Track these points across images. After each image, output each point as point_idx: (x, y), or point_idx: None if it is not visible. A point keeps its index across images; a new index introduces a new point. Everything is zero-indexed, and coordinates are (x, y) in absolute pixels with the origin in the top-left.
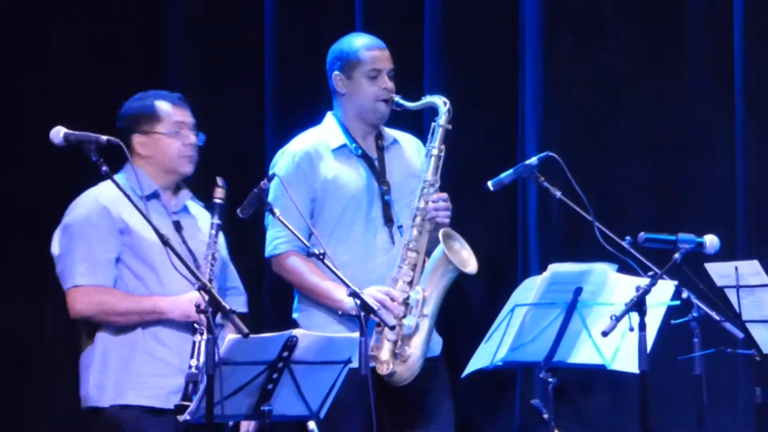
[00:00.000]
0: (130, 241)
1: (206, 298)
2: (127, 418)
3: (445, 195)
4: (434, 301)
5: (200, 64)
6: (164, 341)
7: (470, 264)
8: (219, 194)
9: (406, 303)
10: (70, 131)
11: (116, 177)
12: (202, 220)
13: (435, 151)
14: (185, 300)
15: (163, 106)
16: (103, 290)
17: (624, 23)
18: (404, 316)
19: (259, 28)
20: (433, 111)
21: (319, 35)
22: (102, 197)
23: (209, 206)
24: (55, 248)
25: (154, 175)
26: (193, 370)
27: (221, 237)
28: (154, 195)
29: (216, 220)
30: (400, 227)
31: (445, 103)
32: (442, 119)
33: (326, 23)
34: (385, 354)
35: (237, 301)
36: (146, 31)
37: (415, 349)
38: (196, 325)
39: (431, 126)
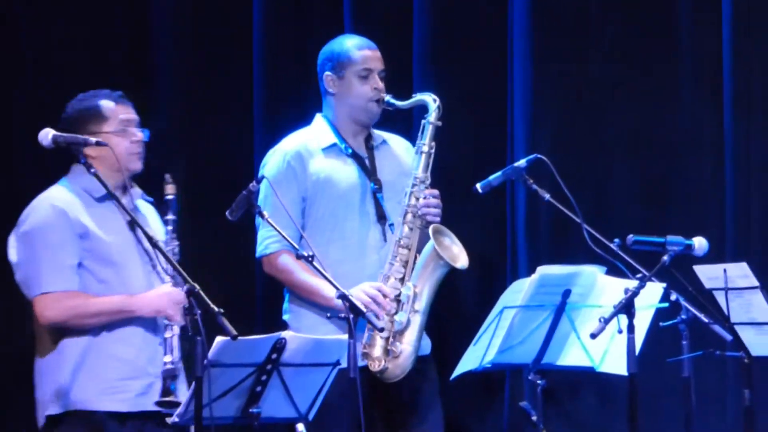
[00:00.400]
0: (89, 244)
1: (194, 301)
2: (93, 424)
3: (435, 191)
4: (426, 296)
5: (188, 64)
6: (130, 342)
7: (461, 259)
8: (170, 190)
9: (397, 299)
10: (58, 133)
11: (64, 181)
12: (151, 218)
13: (425, 148)
14: (154, 295)
15: (107, 105)
16: (72, 295)
17: (612, 25)
18: (396, 313)
19: (247, 29)
20: (422, 110)
21: (307, 36)
22: (58, 201)
23: (161, 204)
24: (14, 256)
25: (105, 175)
26: (169, 365)
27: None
28: (108, 196)
29: (171, 216)
30: (391, 225)
31: (435, 101)
32: (432, 116)
33: (314, 24)
34: (377, 351)
35: None
36: (134, 32)
37: (407, 345)
38: (167, 321)
39: (421, 123)
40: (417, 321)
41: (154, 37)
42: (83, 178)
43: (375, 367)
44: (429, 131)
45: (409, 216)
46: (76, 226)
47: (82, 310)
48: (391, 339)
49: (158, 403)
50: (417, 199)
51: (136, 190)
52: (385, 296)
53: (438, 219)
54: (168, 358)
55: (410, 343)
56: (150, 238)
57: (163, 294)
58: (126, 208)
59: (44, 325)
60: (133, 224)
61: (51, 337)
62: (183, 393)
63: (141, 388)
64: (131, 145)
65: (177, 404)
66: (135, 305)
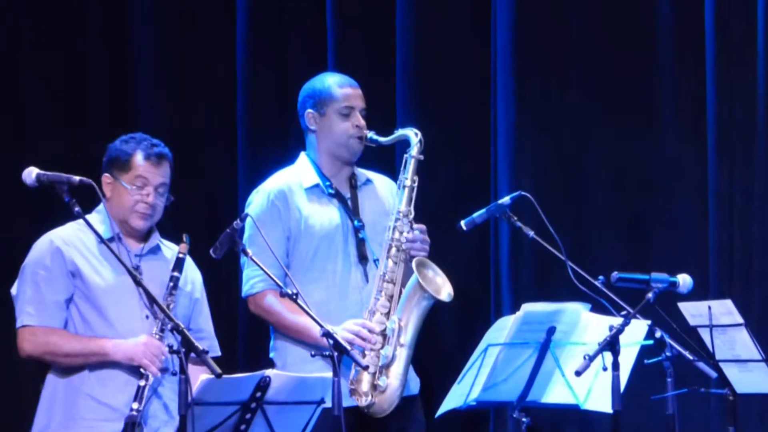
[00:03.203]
0: (80, 284)
1: (179, 338)
2: None
3: (422, 227)
4: (411, 330)
5: (172, 104)
6: (109, 385)
7: (445, 290)
8: (182, 249)
9: (383, 334)
10: (42, 172)
11: (92, 215)
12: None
13: (408, 182)
14: (131, 343)
15: (137, 158)
16: (49, 331)
17: (594, 62)
18: (382, 347)
19: (230, 69)
20: (406, 145)
21: (290, 74)
22: (57, 239)
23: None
24: (14, 288)
25: (117, 216)
26: (134, 412)
27: (198, 280)
28: (115, 238)
29: (176, 273)
30: (376, 260)
31: (416, 135)
32: (414, 150)
33: (297, 62)
34: (364, 386)
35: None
36: (115, 71)
37: (393, 379)
38: (142, 370)
39: (404, 157)
40: (403, 354)
41: (135, 76)
42: (98, 218)
43: (362, 402)
44: (411, 165)
45: (393, 250)
46: (69, 265)
47: (56, 348)
48: (377, 373)
49: None
50: (400, 233)
51: (154, 235)
52: (370, 331)
53: (423, 253)
54: (135, 405)
55: (397, 377)
56: (133, 276)
57: (140, 343)
58: (114, 251)
59: (22, 357)
60: (138, 269)
61: (41, 374)
62: None
63: (118, 430)
64: (135, 203)
65: None
66: (109, 350)
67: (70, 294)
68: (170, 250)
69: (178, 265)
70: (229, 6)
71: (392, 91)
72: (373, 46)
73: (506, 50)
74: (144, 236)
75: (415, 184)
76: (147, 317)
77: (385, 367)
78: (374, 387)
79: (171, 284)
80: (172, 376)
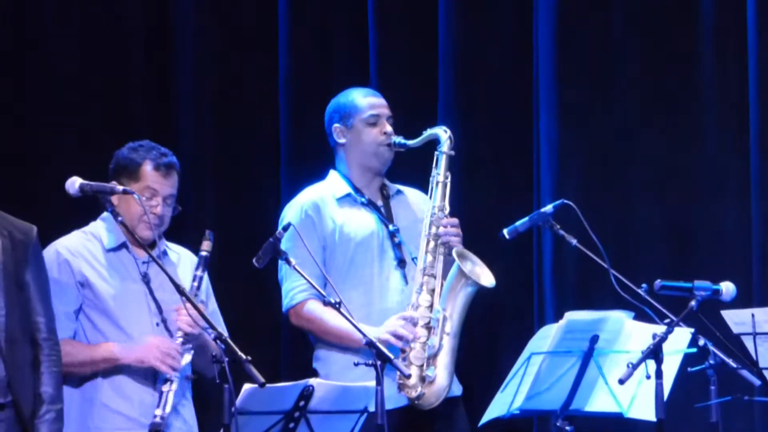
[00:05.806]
0: (89, 294)
1: (222, 347)
2: None
3: (454, 220)
4: (456, 319)
5: (215, 115)
6: (124, 394)
7: (485, 276)
8: (205, 247)
9: (428, 327)
10: (86, 182)
11: (97, 222)
12: (182, 267)
13: (440, 178)
14: (141, 346)
15: (147, 168)
16: (62, 342)
17: (637, 68)
18: (428, 338)
19: (273, 85)
20: (436, 144)
21: (333, 90)
22: (63, 250)
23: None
24: None
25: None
26: (158, 419)
27: (206, 284)
28: (124, 245)
29: (199, 272)
30: (414, 258)
31: (445, 131)
32: (445, 146)
33: (340, 79)
34: (413, 378)
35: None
36: (157, 80)
37: (441, 369)
38: (166, 376)
39: (435, 155)
40: (449, 344)
41: (177, 91)
42: (103, 226)
43: (411, 394)
44: (443, 161)
45: (431, 244)
46: (77, 275)
47: (70, 358)
48: (425, 365)
49: None
50: (437, 227)
51: (161, 241)
52: (414, 324)
53: (458, 241)
54: (158, 412)
55: (444, 367)
56: (178, 288)
57: (150, 345)
58: (158, 261)
59: None
60: (146, 276)
61: None
62: None
63: None
64: (143, 213)
65: None
66: (119, 354)
67: (79, 305)
68: (176, 253)
69: (203, 263)
70: (271, 21)
71: (435, 103)
72: (416, 61)
73: (548, 61)
74: (150, 244)
75: (448, 180)
76: (158, 324)
77: (432, 358)
78: (422, 379)
79: (195, 284)
80: (186, 380)
